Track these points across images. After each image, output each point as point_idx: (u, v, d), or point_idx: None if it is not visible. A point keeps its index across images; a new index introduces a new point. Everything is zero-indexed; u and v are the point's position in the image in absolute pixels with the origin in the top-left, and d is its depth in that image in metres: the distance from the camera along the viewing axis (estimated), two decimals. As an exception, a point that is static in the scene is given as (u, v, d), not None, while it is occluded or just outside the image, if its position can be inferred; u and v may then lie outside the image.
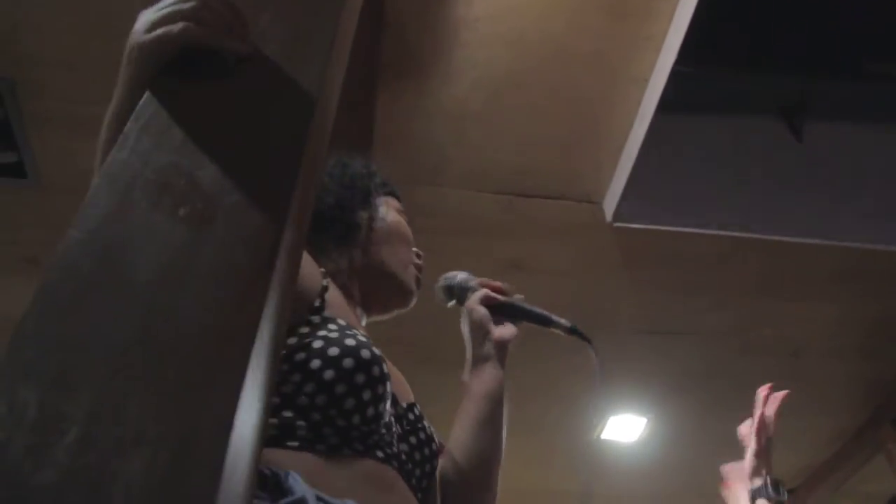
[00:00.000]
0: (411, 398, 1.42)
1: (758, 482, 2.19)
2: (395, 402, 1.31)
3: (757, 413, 2.23)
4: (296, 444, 1.14)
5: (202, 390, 0.53)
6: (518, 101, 3.38)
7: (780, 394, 2.23)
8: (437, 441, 1.38)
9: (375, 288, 1.55)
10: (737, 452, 5.32)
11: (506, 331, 1.54)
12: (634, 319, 4.33)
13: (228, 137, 0.74)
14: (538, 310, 1.57)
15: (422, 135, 3.47)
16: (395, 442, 1.25)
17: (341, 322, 1.27)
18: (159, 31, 0.87)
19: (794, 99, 3.86)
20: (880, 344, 4.57)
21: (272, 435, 1.15)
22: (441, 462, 1.39)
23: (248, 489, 0.56)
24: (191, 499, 0.47)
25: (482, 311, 1.55)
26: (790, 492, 5.76)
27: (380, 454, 1.19)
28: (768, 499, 2.17)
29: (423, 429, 1.35)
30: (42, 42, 3.05)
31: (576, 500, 4.71)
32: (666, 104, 3.23)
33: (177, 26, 0.86)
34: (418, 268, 1.63)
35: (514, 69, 3.27)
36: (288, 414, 1.16)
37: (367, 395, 1.18)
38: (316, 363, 1.18)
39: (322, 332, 1.22)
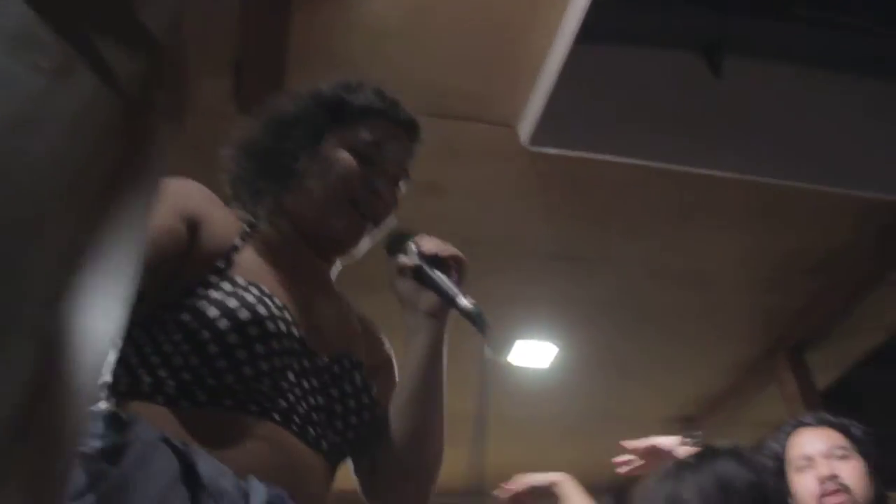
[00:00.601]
0: (344, 348, 1.38)
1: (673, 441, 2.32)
2: (310, 356, 1.30)
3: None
4: (161, 399, 1.15)
5: (37, 242, 0.50)
6: (438, 20, 3.32)
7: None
8: (370, 392, 1.36)
9: (311, 235, 1.45)
10: (642, 380, 5.47)
11: (432, 300, 1.41)
12: (547, 245, 4.37)
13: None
14: (445, 284, 1.40)
15: (339, 51, 3.40)
16: (292, 396, 1.24)
17: (240, 281, 1.26)
18: None
19: (715, 35, 3.88)
20: (784, 277, 4.72)
21: (143, 392, 1.16)
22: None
23: (89, 360, 0.54)
24: (10, 369, 0.45)
25: (400, 285, 1.43)
26: (688, 420, 5.98)
27: (253, 408, 1.18)
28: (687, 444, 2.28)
29: (352, 381, 1.34)
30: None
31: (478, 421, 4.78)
32: (586, 32, 3.22)
33: None
34: (360, 204, 1.44)
35: (435, -15, 3.22)
36: (162, 373, 1.17)
37: (241, 355, 1.18)
38: (195, 324, 1.19)
39: (212, 293, 1.22)
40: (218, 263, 1.28)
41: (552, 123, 3.43)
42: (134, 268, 0.67)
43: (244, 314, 1.19)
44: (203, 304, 1.20)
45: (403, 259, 1.43)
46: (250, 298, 1.22)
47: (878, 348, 5.33)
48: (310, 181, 1.44)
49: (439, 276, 1.40)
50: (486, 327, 1.34)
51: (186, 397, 1.16)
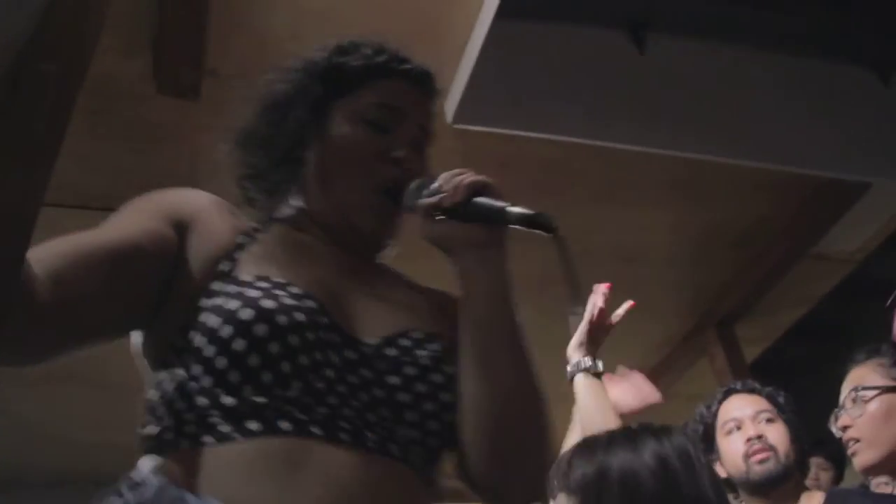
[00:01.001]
0: (398, 328, 1.19)
1: (577, 357, 2.35)
2: (354, 344, 1.12)
3: (600, 300, 2.33)
4: (186, 443, 1.01)
5: None
6: (362, -4, 3.30)
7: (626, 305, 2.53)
8: (441, 369, 1.17)
9: (340, 236, 1.28)
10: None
11: (478, 229, 1.19)
12: (474, 223, 4.35)
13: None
14: (486, 202, 1.19)
15: (259, 27, 3.35)
16: (334, 399, 1.05)
17: (246, 278, 1.10)
18: None
19: (640, 11, 3.90)
20: (708, 252, 4.78)
21: (167, 440, 1.03)
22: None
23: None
24: None
25: (435, 229, 1.20)
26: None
27: (284, 426, 1.00)
28: (587, 370, 2.30)
29: (414, 362, 1.14)
30: None
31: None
32: (509, 8, 3.21)
33: None
34: (388, 187, 1.26)
35: (357, -39, 3.18)
36: (182, 410, 1.03)
37: (254, 361, 1.02)
38: (201, 341, 1.04)
39: (214, 300, 1.07)
40: (221, 267, 1.13)
41: (475, 100, 3.41)
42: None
43: (246, 313, 1.03)
44: (205, 315, 1.06)
45: (428, 199, 1.21)
46: (253, 294, 1.07)
47: (803, 321, 5.43)
48: (323, 171, 1.28)
49: (477, 199, 1.19)
50: (554, 227, 1.17)
51: (209, 432, 1.00)
